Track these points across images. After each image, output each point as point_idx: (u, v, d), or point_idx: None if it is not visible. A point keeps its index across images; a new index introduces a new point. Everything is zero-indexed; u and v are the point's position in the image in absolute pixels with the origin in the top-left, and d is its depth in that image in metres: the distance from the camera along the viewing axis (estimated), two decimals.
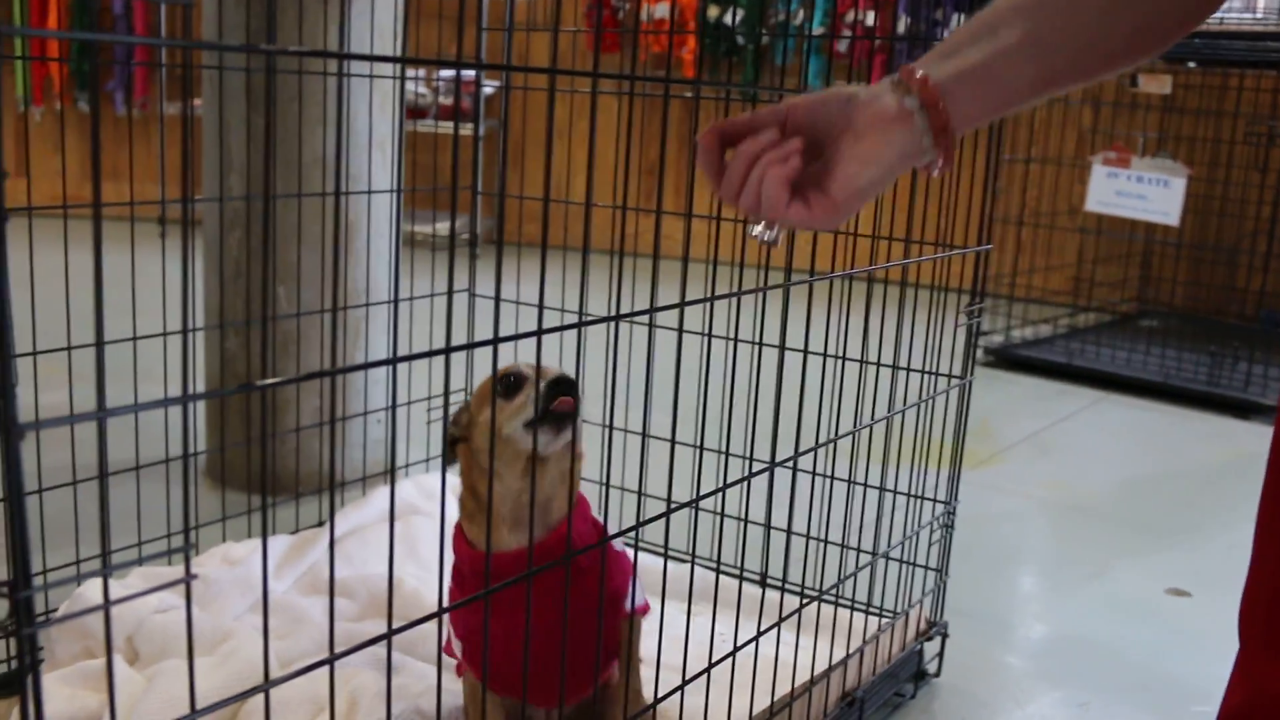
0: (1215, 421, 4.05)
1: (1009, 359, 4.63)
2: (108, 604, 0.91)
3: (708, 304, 1.49)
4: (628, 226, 1.57)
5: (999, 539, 2.81)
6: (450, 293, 1.14)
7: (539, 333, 1.21)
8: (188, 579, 0.93)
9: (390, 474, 1.15)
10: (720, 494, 1.57)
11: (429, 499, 2.33)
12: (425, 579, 2.06)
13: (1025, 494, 3.16)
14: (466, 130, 4.28)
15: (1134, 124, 5.11)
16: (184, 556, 0.94)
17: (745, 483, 1.58)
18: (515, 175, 6.42)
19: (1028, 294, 5.05)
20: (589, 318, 1.23)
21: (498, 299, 1.22)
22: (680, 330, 1.44)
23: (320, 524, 2.28)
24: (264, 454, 1.02)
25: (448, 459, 1.51)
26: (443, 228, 5.17)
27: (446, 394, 1.25)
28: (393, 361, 1.07)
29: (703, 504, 1.55)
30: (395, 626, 1.08)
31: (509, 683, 1.51)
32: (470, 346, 1.15)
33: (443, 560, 1.16)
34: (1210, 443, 3.86)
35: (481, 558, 1.45)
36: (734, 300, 1.58)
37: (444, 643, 1.58)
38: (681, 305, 1.36)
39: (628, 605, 1.54)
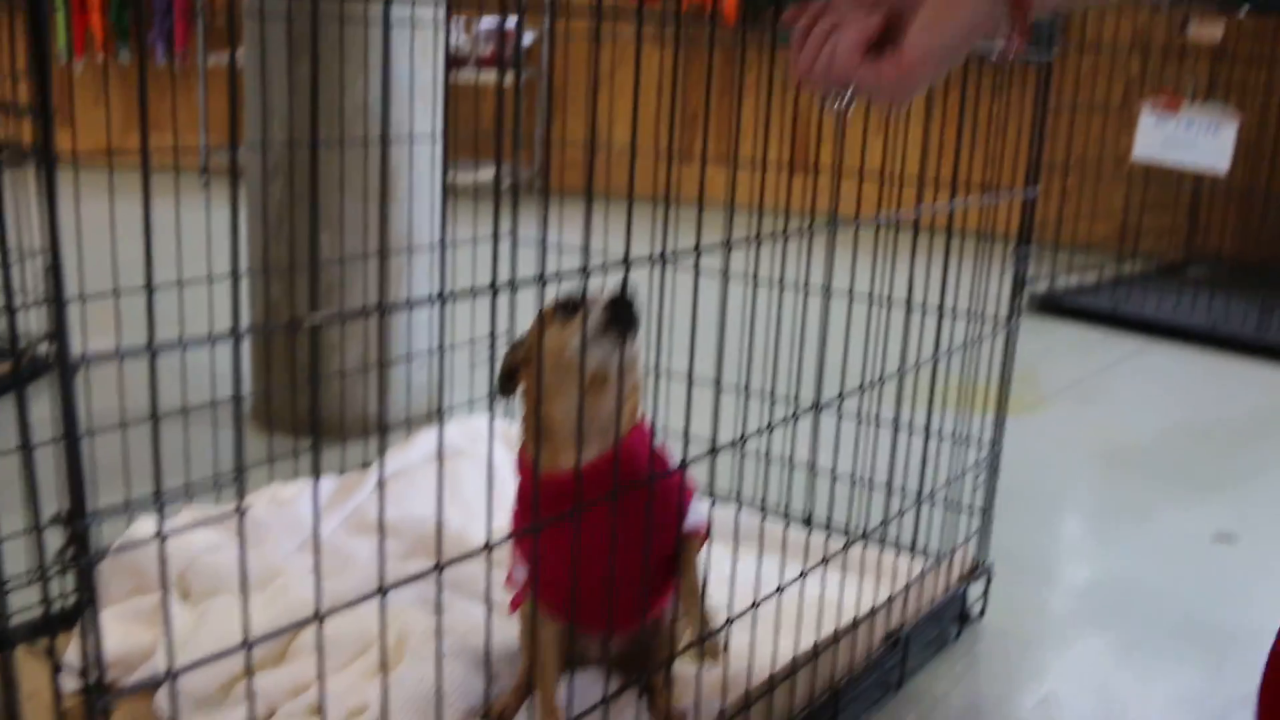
0: (1264, 369, 4.00)
1: (1054, 306, 4.58)
2: (162, 535, 0.93)
3: (752, 247, 1.48)
4: (670, 174, 1.55)
5: (1044, 484, 2.79)
6: (495, 234, 1.14)
7: (584, 270, 1.21)
8: (240, 510, 0.94)
9: (439, 413, 1.16)
10: (765, 435, 1.57)
11: (474, 442, 2.35)
12: (469, 522, 2.07)
13: (1071, 440, 3.14)
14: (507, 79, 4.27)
15: (1184, 72, 5.02)
16: (236, 490, 0.95)
17: (790, 424, 1.58)
18: (555, 123, 6.39)
19: (1073, 241, 4.99)
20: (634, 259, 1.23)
21: (544, 239, 1.22)
22: (725, 273, 1.43)
23: (365, 465, 2.29)
24: (313, 392, 1.03)
25: (507, 391, 1.50)
26: (484, 175, 5.17)
27: (493, 333, 1.25)
28: (441, 299, 1.07)
29: (747, 446, 1.55)
30: (443, 562, 1.09)
31: (568, 603, 1.52)
32: (517, 285, 1.15)
33: (491, 501, 1.16)
34: (1258, 390, 3.81)
35: (544, 478, 1.45)
36: (779, 244, 1.57)
37: (506, 576, 1.60)
38: (727, 245, 1.36)
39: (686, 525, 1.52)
